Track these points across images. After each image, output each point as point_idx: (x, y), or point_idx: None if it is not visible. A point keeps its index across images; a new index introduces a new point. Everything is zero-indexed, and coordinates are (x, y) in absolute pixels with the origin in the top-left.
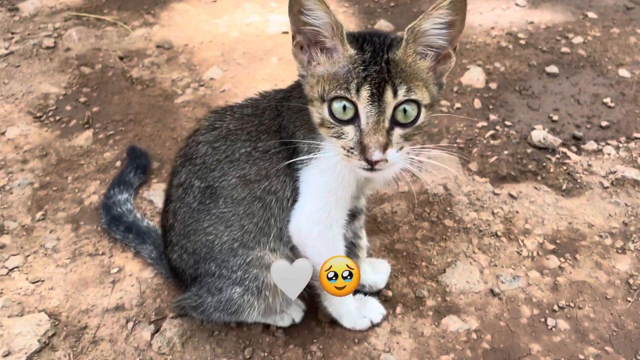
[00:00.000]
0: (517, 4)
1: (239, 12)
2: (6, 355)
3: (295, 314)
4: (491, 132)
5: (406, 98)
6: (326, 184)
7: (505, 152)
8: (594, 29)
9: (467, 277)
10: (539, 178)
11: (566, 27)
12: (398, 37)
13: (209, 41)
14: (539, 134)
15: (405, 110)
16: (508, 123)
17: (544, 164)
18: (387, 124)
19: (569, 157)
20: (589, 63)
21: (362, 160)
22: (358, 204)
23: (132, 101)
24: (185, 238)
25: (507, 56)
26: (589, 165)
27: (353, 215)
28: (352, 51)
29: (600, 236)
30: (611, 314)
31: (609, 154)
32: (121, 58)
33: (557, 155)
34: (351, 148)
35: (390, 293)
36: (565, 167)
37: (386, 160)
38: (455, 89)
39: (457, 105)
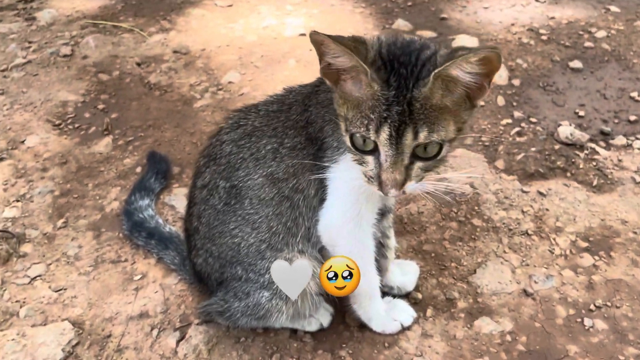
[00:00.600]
0: (537, 0)
1: (255, 16)
2: None
3: (324, 318)
4: (516, 129)
5: (427, 141)
6: (356, 180)
7: (533, 149)
8: (617, 22)
9: (498, 278)
10: (568, 174)
11: (588, 21)
12: (432, 57)
13: (226, 45)
14: (566, 130)
15: (425, 148)
16: (533, 120)
17: (573, 160)
18: (406, 161)
19: (598, 153)
20: (614, 57)
21: (381, 192)
22: (387, 202)
23: (150, 107)
24: (211, 241)
25: (529, 52)
26: (619, 161)
27: (382, 213)
28: (376, 87)
29: (635, 232)
30: None
31: (639, 149)
32: (138, 64)
33: (586, 151)
34: (371, 177)
35: (419, 295)
36: (594, 163)
37: (404, 192)
38: None
39: (480, 102)
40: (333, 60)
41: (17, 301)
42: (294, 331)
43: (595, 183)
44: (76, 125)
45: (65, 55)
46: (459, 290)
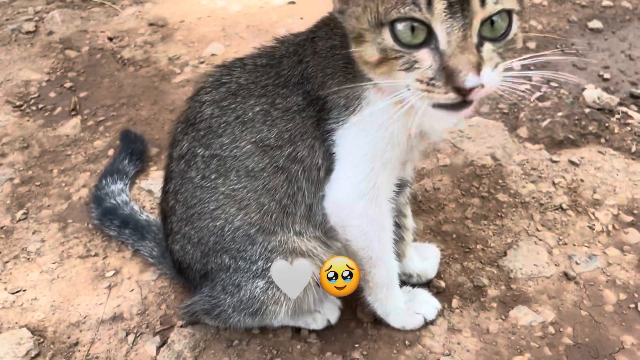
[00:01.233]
0: None
1: None
2: None
3: (330, 313)
4: (538, 93)
5: (498, 9)
6: (370, 144)
7: (559, 114)
8: None
9: (533, 260)
10: (602, 141)
11: None
12: None
13: (207, 16)
14: (592, 94)
15: (492, 22)
16: (554, 84)
17: (607, 124)
18: (475, 39)
19: (631, 117)
20: (636, 16)
21: (451, 92)
22: (404, 173)
23: (124, 83)
24: (189, 224)
25: (542, 13)
26: None
27: (399, 185)
28: None
29: None
30: None
31: None
32: (110, 39)
33: (617, 116)
34: (431, 79)
35: (442, 283)
36: (629, 128)
37: (482, 85)
38: None
39: None
40: None
41: None
42: (296, 330)
43: (634, 149)
44: (40, 106)
45: (28, 32)
46: (488, 275)
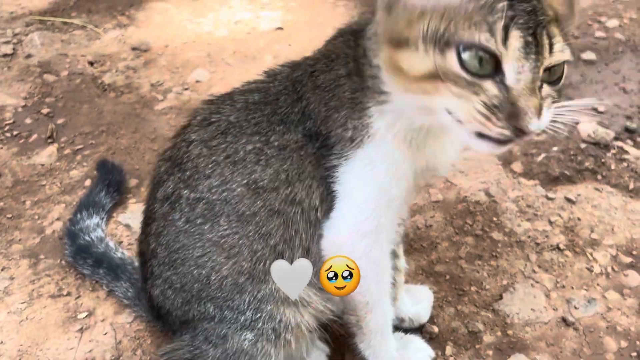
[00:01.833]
0: None
1: (226, 10)
2: None
3: None
4: None
5: (562, 59)
6: (376, 179)
7: (554, 148)
8: (628, 11)
9: (530, 304)
10: (599, 177)
11: (596, 10)
12: None
13: (192, 41)
14: (587, 127)
15: (550, 68)
16: None
17: (603, 160)
18: (539, 82)
19: (627, 152)
20: (629, 48)
21: (508, 130)
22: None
23: (104, 110)
24: (171, 269)
25: None
26: None
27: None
28: None
29: None
30: None
31: None
32: (91, 63)
33: (613, 151)
34: (495, 107)
35: (435, 329)
36: (626, 164)
37: (539, 128)
38: None
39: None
40: None
41: None
42: None
43: (631, 186)
44: (14, 133)
45: (5, 55)
46: (483, 320)
